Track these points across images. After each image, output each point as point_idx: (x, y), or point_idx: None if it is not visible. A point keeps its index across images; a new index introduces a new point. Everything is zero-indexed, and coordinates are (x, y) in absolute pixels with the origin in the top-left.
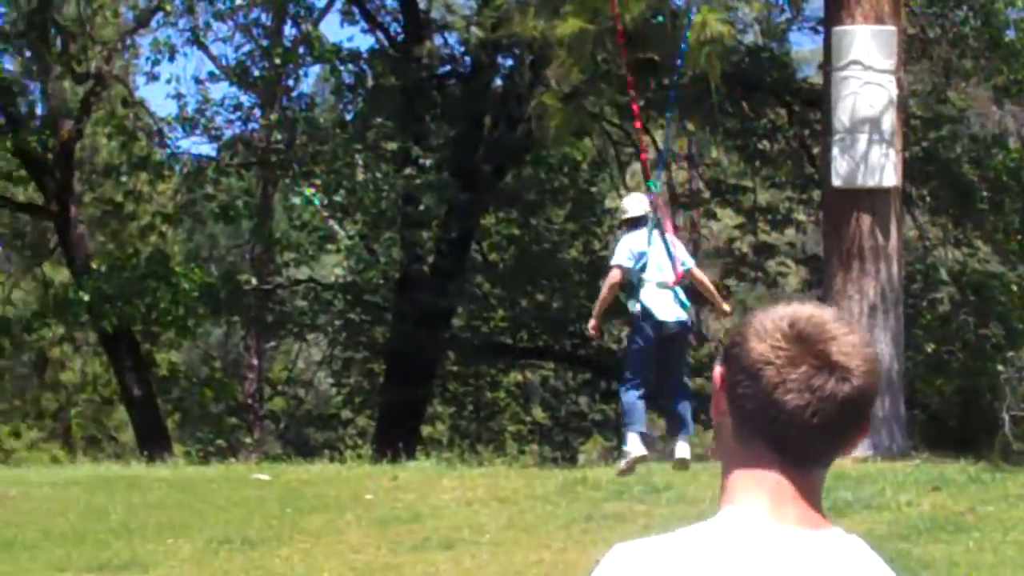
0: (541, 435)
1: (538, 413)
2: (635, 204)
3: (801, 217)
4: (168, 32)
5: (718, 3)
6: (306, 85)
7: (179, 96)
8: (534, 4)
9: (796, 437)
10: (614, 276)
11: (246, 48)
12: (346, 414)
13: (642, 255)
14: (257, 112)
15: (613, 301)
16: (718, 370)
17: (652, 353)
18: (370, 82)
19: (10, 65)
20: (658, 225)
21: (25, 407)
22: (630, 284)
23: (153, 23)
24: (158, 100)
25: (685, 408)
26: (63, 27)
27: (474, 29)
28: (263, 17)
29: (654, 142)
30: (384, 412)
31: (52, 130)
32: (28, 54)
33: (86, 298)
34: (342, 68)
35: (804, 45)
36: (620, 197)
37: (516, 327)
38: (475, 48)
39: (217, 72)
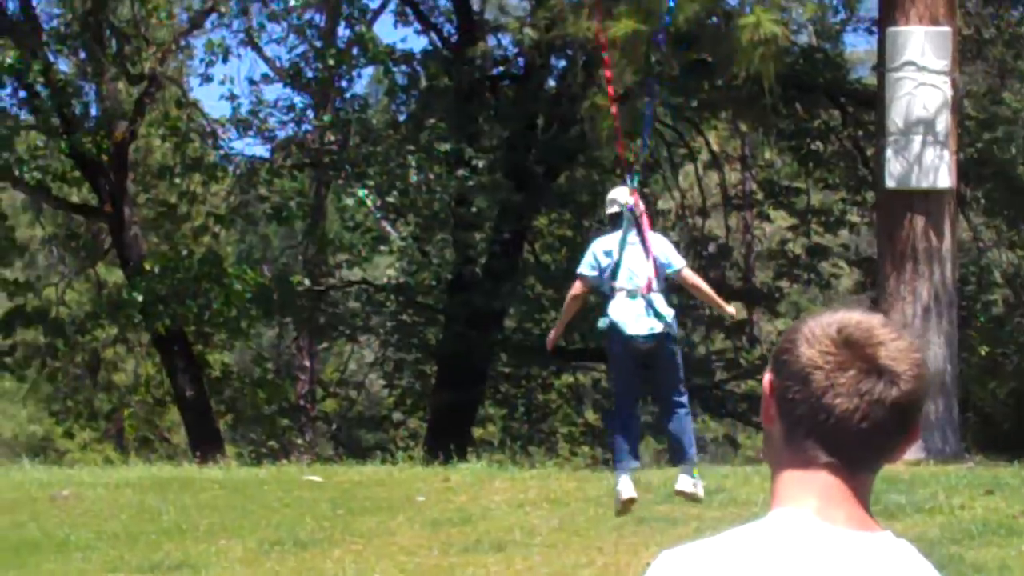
0: (593, 437)
1: (590, 415)
2: (614, 200)
3: (855, 219)
4: (222, 33)
5: (772, 4)
6: (359, 86)
7: (233, 97)
8: (588, 5)
9: (846, 441)
10: (574, 287)
11: (300, 49)
12: (398, 416)
13: (611, 260)
14: (310, 113)
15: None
16: (767, 377)
17: (628, 375)
18: (423, 83)
19: (65, 66)
20: (636, 224)
21: (78, 408)
22: (603, 295)
23: (207, 24)
24: (212, 101)
25: (682, 430)
26: (117, 28)
27: (527, 30)
28: (317, 18)
29: (707, 144)
30: (436, 414)
31: (106, 131)
32: (83, 55)
33: (139, 299)
34: (395, 69)
35: (858, 45)
36: (673, 199)
37: (568, 329)
38: (528, 49)
39: (271, 73)
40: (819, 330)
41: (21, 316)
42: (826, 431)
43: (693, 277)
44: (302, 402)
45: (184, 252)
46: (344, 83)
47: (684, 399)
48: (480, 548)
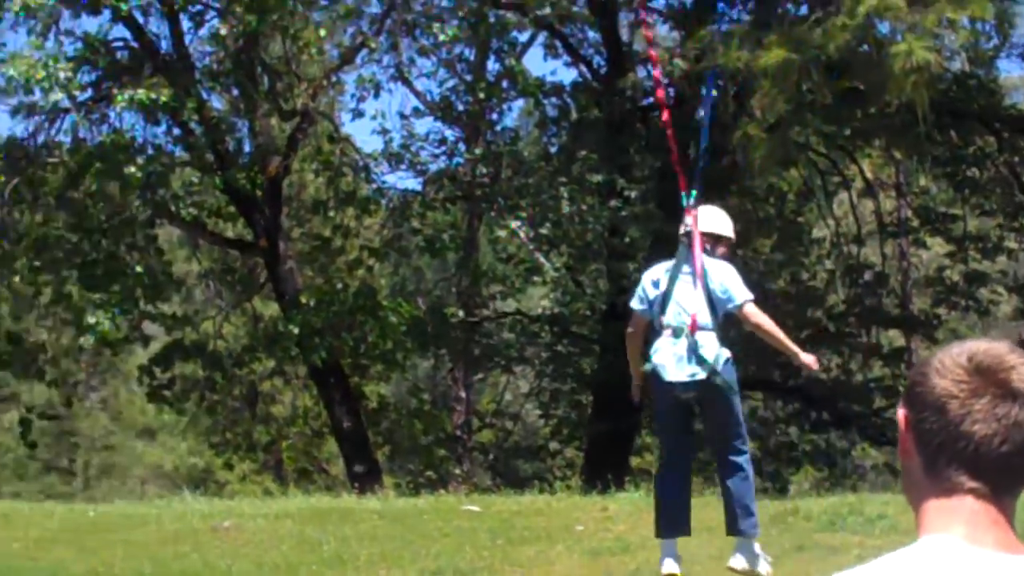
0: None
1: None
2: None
3: (1012, 245)
4: (373, 68)
5: (924, 31)
6: (510, 119)
7: (384, 131)
8: (738, 35)
9: (987, 466)
10: (629, 324)
11: (450, 83)
12: (554, 445)
13: (659, 291)
14: (462, 146)
15: None
16: (901, 413)
17: (672, 429)
18: (574, 115)
19: (218, 103)
20: (689, 251)
21: (237, 440)
22: (654, 331)
23: (358, 60)
24: (363, 136)
25: (737, 496)
26: (269, 65)
27: (677, 61)
28: (466, 52)
29: (861, 172)
30: (592, 443)
31: (260, 167)
32: (236, 92)
33: (296, 332)
34: (546, 101)
35: (1012, 71)
36: (828, 227)
37: None
38: (679, 79)
39: (421, 107)
40: (949, 360)
41: (179, 350)
42: (967, 458)
43: (757, 315)
44: (459, 432)
45: (339, 285)
46: (495, 116)
47: (742, 460)
48: None
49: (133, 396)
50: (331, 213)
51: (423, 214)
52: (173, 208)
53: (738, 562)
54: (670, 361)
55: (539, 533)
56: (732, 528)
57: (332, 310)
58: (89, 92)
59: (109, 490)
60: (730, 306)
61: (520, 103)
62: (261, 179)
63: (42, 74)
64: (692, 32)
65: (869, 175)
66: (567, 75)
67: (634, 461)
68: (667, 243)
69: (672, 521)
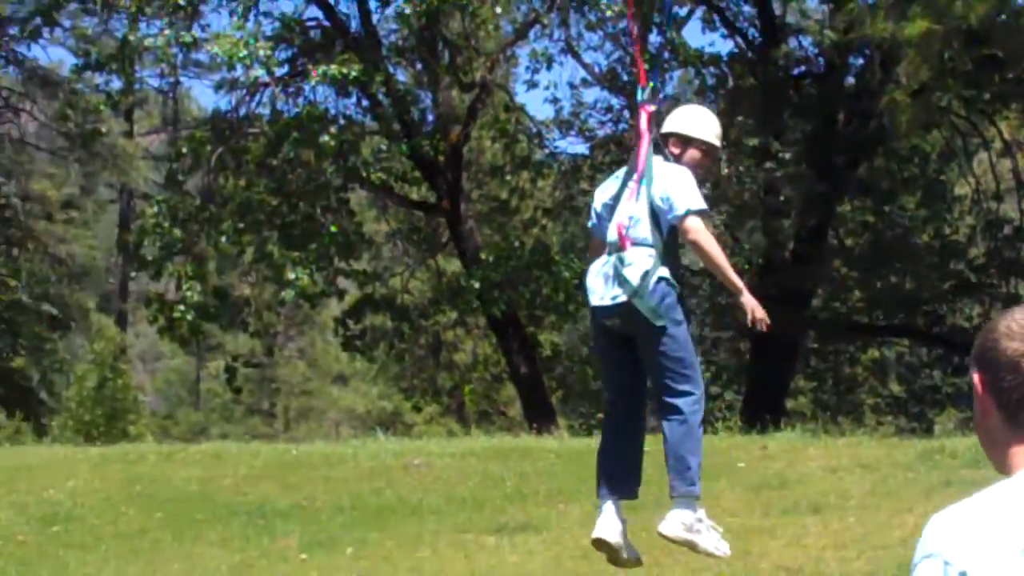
0: (897, 407)
1: (894, 387)
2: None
3: None
4: (544, 43)
5: None
6: (671, 87)
7: (555, 101)
8: (884, 7)
9: None
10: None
11: (615, 55)
12: (714, 389)
13: (610, 203)
14: (626, 113)
15: None
16: (976, 376)
17: (607, 364)
18: (731, 83)
19: (404, 77)
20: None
21: (423, 385)
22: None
23: (531, 35)
24: (536, 105)
25: (672, 446)
26: (450, 41)
27: (827, 32)
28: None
29: (999, 133)
30: (751, 387)
31: (442, 135)
32: (419, 66)
33: (476, 286)
34: (704, 71)
35: None
36: (968, 185)
37: (872, 306)
38: (828, 49)
39: (589, 78)
40: (1015, 325)
41: (370, 303)
42: None
43: (698, 232)
44: None
45: (516, 243)
46: (657, 85)
47: (680, 402)
48: (798, 510)
49: (328, 345)
50: (507, 176)
51: (592, 176)
52: (363, 173)
53: (669, 527)
54: (597, 282)
55: (704, 470)
56: (673, 486)
57: (510, 265)
58: (286, 68)
59: (307, 431)
60: (670, 216)
61: (679, 72)
62: (443, 146)
63: (243, 52)
64: (841, 4)
65: (1007, 136)
66: (724, 46)
67: (789, 403)
68: (818, 201)
69: (608, 479)
